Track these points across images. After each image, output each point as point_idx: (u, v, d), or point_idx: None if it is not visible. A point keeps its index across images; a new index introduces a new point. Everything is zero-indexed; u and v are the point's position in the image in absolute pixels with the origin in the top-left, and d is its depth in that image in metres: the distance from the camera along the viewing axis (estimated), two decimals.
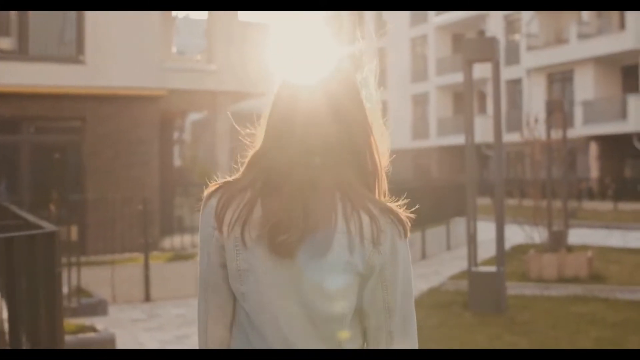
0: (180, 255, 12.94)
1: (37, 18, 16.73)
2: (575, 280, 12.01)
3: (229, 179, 1.98)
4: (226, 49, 18.39)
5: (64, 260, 10.06)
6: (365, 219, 1.89)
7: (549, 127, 16.28)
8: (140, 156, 17.28)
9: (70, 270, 9.61)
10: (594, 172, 38.92)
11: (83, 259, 12.67)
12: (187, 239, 14.64)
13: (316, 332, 1.85)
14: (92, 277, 11.71)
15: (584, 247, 15.32)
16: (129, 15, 16.58)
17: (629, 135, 36.78)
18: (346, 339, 1.88)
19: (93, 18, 16.60)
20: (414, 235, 16.62)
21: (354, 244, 1.86)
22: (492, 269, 9.60)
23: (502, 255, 9.58)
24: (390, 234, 1.95)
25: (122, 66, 16.97)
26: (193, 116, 65.53)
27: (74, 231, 16.99)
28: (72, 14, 16.83)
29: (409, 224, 2.08)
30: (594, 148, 39.17)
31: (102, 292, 11.45)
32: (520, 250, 16.96)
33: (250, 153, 2.00)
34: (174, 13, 22.20)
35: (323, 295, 1.82)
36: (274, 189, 1.87)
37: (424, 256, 17.03)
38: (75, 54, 17.04)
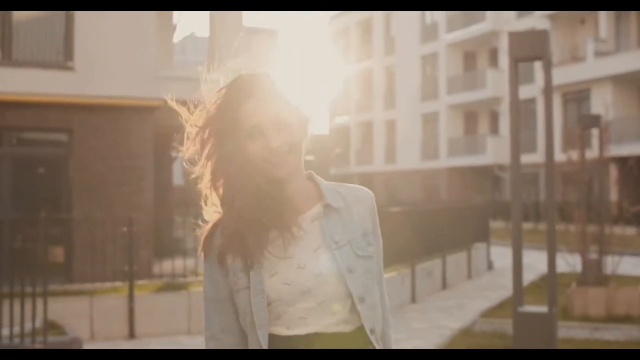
0: (171, 285, 11.34)
1: (21, 20, 15.26)
2: (627, 319, 10.40)
3: None
4: (229, 56, 16.88)
5: (29, 289, 8.54)
6: None
7: (582, 145, 14.70)
8: (134, 172, 15.72)
9: (35, 301, 8.05)
10: (613, 195, 37.25)
11: (58, 287, 11.13)
12: (185, 263, 13.02)
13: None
14: (69, 309, 10.15)
15: (617, 277, 13.66)
16: (123, 19, 15.09)
17: None
18: None
19: (83, 21, 15.10)
20: (434, 262, 15.03)
21: None
22: (543, 309, 7.99)
23: (554, 293, 7.99)
24: None
25: (114, 74, 15.46)
26: None
27: (59, 253, 15.53)
28: (61, 16, 15.34)
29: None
30: (613, 170, 37.54)
31: (80, 327, 9.88)
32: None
33: None
34: (174, 19, 20.68)
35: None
36: None
37: (444, 286, 15.40)
38: (63, 59, 15.52)
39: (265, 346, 2.12)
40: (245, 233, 2.15)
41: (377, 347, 2.21)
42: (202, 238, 2.23)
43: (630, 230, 32.35)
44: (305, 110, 2.26)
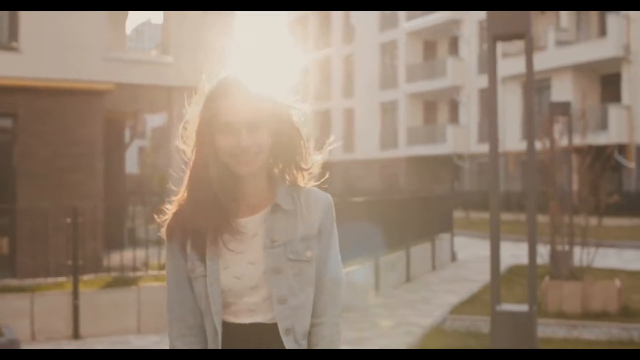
0: (120, 280, 10.52)
1: None
2: (604, 315, 9.88)
3: None
4: (184, 39, 16.06)
5: None
6: None
7: (551, 133, 14.18)
8: (82, 159, 14.87)
9: None
10: (575, 185, 37.03)
11: (3, 281, 10.32)
12: (137, 255, 12.20)
13: None
14: (8, 307, 9.34)
15: (589, 270, 13.19)
16: None
17: (609, 147, 34.98)
18: None
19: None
20: (398, 254, 14.43)
21: None
22: (522, 308, 7.39)
23: (535, 291, 7.39)
24: None
25: (62, 55, 14.59)
26: (153, 122, 63.19)
27: (4, 244, 14.66)
28: None
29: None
30: (574, 160, 37.33)
31: (20, 326, 9.08)
32: (517, 272, 14.84)
33: None
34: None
35: None
36: None
37: (408, 278, 14.81)
38: (7, 39, 14.61)
39: (219, 332, 2.30)
40: (201, 221, 2.31)
41: (293, 347, 2.31)
42: (166, 222, 2.38)
43: (592, 221, 32.15)
44: (285, 109, 2.39)
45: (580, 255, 11.35)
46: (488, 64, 7.33)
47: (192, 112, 2.39)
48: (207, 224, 2.30)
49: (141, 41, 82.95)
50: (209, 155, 2.31)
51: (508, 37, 7.53)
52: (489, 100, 7.50)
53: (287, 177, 2.42)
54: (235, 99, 2.29)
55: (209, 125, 2.30)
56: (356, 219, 12.11)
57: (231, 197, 2.34)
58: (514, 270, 15.22)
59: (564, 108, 14.27)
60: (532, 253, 7.43)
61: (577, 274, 10.83)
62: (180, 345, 2.36)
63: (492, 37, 7.30)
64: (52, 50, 14.45)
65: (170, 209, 2.38)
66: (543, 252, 14.22)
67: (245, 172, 2.29)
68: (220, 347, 2.30)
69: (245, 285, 2.29)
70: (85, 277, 10.32)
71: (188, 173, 2.37)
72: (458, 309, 10.85)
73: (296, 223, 2.35)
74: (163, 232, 2.38)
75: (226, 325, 2.31)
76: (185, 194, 2.37)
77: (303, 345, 2.34)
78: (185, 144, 2.41)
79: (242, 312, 2.31)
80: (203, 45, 16.18)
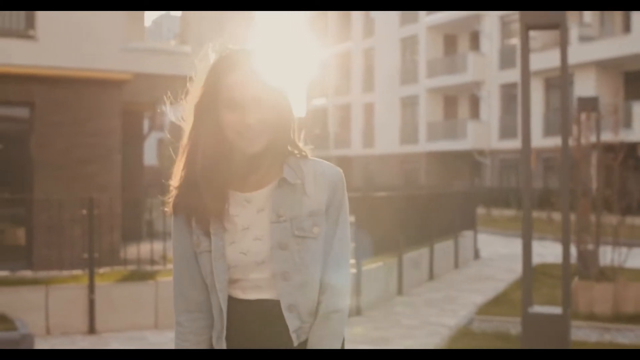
0: (137, 274, 10.22)
1: None
2: (638, 319, 9.49)
3: None
4: (203, 29, 15.77)
5: None
6: None
7: (579, 129, 13.79)
8: (99, 150, 14.60)
9: None
10: (595, 183, 36.52)
11: (9, 275, 10.06)
12: (154, 248, 11.93)
13: None
14: (22, 300, 9.09)
15: (619, 270, 12.76)
16: None
17: (633, 144, 34.45)
18: None
19: None
20: (421, 252, 14.08)
21: None
22: (556, 310, 7.05)
23: (568, 292, 7.05)
24: None
25: (80, 44, 14.31)
26: (173, 114, 63.24)
27: (21, 235, 14.43)
28: None
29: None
30: (594, 158, 36.81)
31: (34, 321, 8.83)
32: (543, 271, 14.45)
33: None
34: None
35: None
36: None
37: (431, 276, 14.46)
38: (24, 27, 14.36)
39: (224, 308, 2.27)
40: (204, 196, 2.25)
41: (297, 324, 2.26)
42: (170, 197, 2.34)
43: (614, 220, 31.67)
44: (287, 91, 2.28)
45: (612, 255, 10.95)
46: (521, 56, 6.99)
47: (195, 86, 2.31)
48: (209, 199, 2.25)
49: (160, 33, 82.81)
50: (211, 131, 2.24)
51: (541, 27, 7.18)
52: (521, 92, 7.16)
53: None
54: (243, 73, 2.21)
55: (212, 100, 2.24)
56: (378, 214, 11.79)
57: (234, 173, 2.30)
58: (540, 270, 14.81)
59: (592, 103, 13.83)
60: (566, 253, 7.09)
61: (608, 274, 10.44)
62: (184, 320, 2.33)
63: (525, 27, 6.95)
64: (70, 39, 14.19)
65: (172, 184, 2.33)
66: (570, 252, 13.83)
67: (251, 151, 2.21)
68: (225, 323, 2.27)
69: (252, 261, 2.25)
70: (102, 270, 10.04)
71: (187, 148, 2.30)
72: (485, 309, 10.48)
73: (303, 198, 2.27)
74: (168, 207, 2.34)
75: (232, 300, 2.27)
76: (185, 170, 2.30)
77: (308, 322, 2.28)
78: (184, 120, 2.34)
79: (249, 288, 2.27)
80: (222, 36, 15.90)
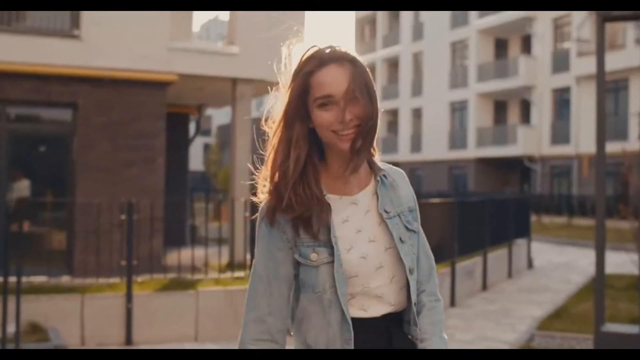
0: (178, 283, 9.78)
1: None
2: None
3: None
4: (251, 30, 15.35)
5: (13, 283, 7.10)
6: None
7: None
8: (143, 153, 14.27)
9: (19, 298, 6.60)
10: None
11: (45, 281, 9.68)
12: (199, 254, 11.52)
13: None
14: (58, 309, 8.70)
15: None
16: None
17: None
18: None
19: None
20: (474, 260, 13.48)
21: None
22: (633, 329, 6.44)
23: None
24: None
25: (124, 44, 14.00)
26: (219, 119, 63.13)
27: (62, 239, 14.13)
28: None
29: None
30: None
31: (69, 331, 8.43)
32: (607, 283, 13.72)
33: None
34: None
35: None
36: None
37: (484, 286, 13.84)
38: (69, 27, 14.08)
39: (350, 323, 2.09)
40: (311, 202, 2.12)
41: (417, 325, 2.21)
42: (267, 208, 2.16)
43: None
44: (373, 86, 2.21)
45: None
46: (597, 51, 6.40)
47: (282, 89, 2.23)
48: (316, 205, 2.12)
49: (208, 38, 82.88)
50: (304, 132, 2.15)
51: (620, 19, 6.58)
52: (597, 96, 6.55)
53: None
54: (335, 69, 2.14)
55: (303, 100, 2.15)
56: (431, 221, 11.23)
57: (335, 176, 2.21)
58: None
59: None
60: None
61: None
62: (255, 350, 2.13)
63: (602, 19, 6.36)
64: (114, 38, 13.88)
65: (265, 193, 2.20)
66: (625, 261, 13.21)
67: (347, 148, 2.11)
68: (352, 344, 2.09)
69: (372, 266, 2.14)
70: (140, 279, 9.62)
71: (280, 152, 2.16)
72: (546, 324, 9.85)
73: (399, 195, 2.28)
74: (262, 219, 2.17)
75: (352, 320, 2.11)
76: (280, 175, 2.15)
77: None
78: (270, 124, 2.23)
79: (370, 301, 2.14)
80: (270, 37, 15.47)
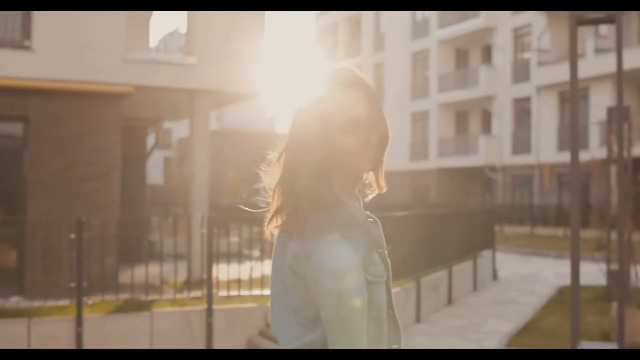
0: (131, 304, 9.34)
1: None
2: None
3: None
4: (209, 41, 14.96)
5: None
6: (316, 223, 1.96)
7: (609, 141, 12.95)
8: (98, 168, 13.79)
9: None
10: (614, 197, 35.53)
11: (1, 301, 9.20)
12: (156, 271, 11.00)
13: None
14: (3, 335, 8.22)
15: None
16: None
17: None
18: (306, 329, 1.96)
19: None
20: (440, 274, 13.19)
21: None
22: (610, 345, 6.16)
23: (624, 324, 6.15)
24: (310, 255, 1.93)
25: (77, 55, 13.54)
26: (179, 132, 62.76)
27: (12, 257, 13.61)
28: None
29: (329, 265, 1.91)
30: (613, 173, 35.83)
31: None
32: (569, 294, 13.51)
33: None
34: None
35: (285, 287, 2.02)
36: None
37: (450, 301, 13.55)
38: (19, 37, 13.59)
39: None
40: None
41: None
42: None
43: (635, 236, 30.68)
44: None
45: None
46: (570, 53, 6.12)
47: (303, 114, 2.11)
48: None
49: (167, 51, 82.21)
50: (330, 157, 2.07)
51: (593, 22, 6.32)
52: (570, 103, 6.27)
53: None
54: (359, 92, 2.13)
55: (327, 124, 2.07)
56: (396, 235, 10.89)
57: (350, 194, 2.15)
58: (567, 292, 13.89)
59: (623, 113, 12.94)
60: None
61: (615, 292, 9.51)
62: None
63: (575, 21, 6.09)
64: (67, 49, 13.42)
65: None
66: (591, 271, 13.05)
67: (369, 169, 2.16)
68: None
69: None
70: (91, 301, 9.16)
71: (313, 179, 2.05)
72: (516, 340, 9.57)
73: None
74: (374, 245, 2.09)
75: None
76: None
77: None
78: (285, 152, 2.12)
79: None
80: (228, 48, 15.10)
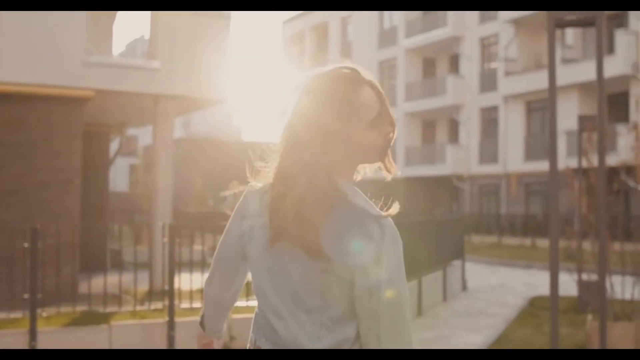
0: (88, 316, 8.91)
1: None
2: None
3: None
4: (173, 44, 14.58)
5: None
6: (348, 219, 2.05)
7: (583, 150, 12.78)
8: (58, 174, 13.33)
9: None
10: (584, 207, 35.53)
11: None
12: (116, 281, 10.56)
13: (302, 316, 2.00)
14: None
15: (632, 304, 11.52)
16: None
17: (616, 168, 33.55)
18: (327, 329, 2.00)
19: None
20: (410, 285, 12.86)
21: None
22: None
23: (606, 336, 5.87)
24: (374, 237, 2.04)
25: (36, 57, 13.08)
26: (145, 139, 61.99)
27: None
28: None
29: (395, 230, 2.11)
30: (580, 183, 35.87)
31: None
32: (541, 305, 13.31)
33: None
34: None
35: (304, 287, 2.01)
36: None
37: (420, 312, 13.26)
38: None
39: None
40: None
41: None
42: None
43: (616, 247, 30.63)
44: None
45: (622, 287, 9.84)
46: (549, 57, 5.83)
47: (321, 116, 2.12)
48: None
49: (134, 57, 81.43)
50: (346, 148, 2.15)
51: (572, 24, 6.05)
52: (549, 102, 5.97)
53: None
54: (371, 88, 2.19)
55: (354, 123, 2.12)
56: None
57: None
58: (537, 303, 13.67)
59: (594, 122, 12.79)
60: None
61: (626, 310, 9.29)
62: None
63: (554, 23, 5.81)
64: (25, 51, 12.95)
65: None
66: (562, 281, 12.78)
67: (382, 161, 2.28)
68: None
69: None
70: (46, 313, 8.72)
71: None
72: None
73: None
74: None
75: None
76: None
77: None
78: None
79: None
80: (193, 53, 14.74)
